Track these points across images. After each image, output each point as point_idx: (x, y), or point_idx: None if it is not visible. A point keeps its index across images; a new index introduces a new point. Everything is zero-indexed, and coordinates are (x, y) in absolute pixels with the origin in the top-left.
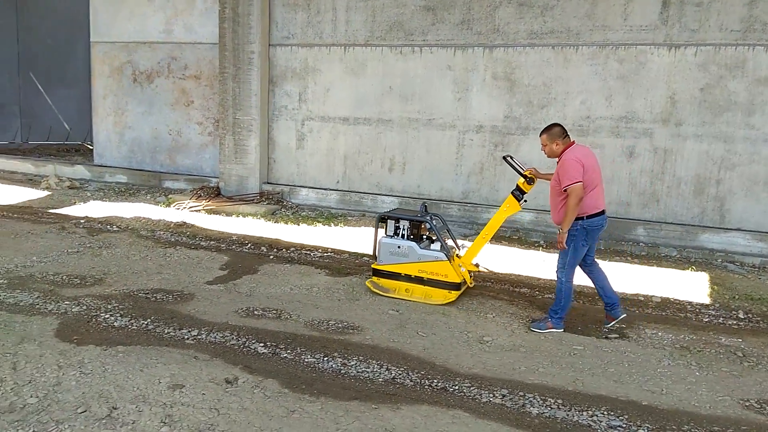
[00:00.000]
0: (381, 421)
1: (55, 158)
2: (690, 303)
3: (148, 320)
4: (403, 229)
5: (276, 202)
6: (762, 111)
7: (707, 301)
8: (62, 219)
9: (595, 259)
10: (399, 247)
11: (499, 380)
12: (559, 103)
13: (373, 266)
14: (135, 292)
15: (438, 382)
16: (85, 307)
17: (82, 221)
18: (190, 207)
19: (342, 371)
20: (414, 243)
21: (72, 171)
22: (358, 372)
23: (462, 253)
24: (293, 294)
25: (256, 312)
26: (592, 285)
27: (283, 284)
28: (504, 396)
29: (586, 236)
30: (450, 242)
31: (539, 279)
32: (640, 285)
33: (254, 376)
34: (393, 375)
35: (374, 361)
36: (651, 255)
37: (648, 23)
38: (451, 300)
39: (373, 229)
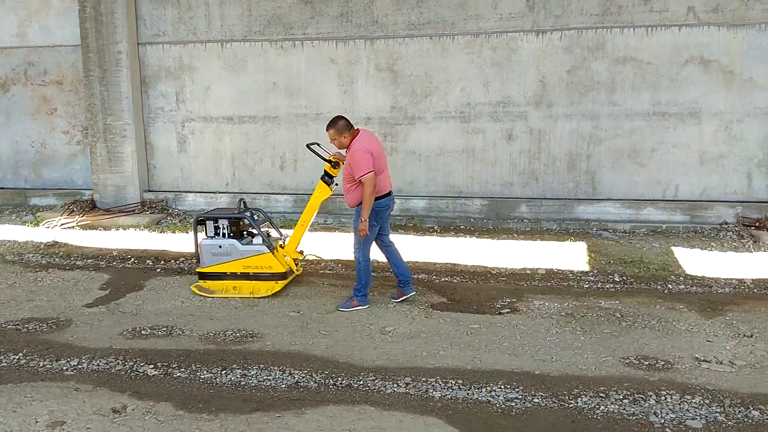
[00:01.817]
0: (285, 429)
1: None
2: (571, 272)
3: (20, 354)
4: (223, 228)
5: (160, 210)
6: (622, 88)
7: (586, 268)
8: None
9: (391, 238)
10: (220, 246)
11: (402, 369)
12: (441, 91)
13: (197, 270)
14: (2, 325)
15: (342, 379)
16: None
17: None
18: (62, 224)
19: (242, 383)
20: (235, 240)
21: None
22: (259, 381)
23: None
24: (185, 307)
25: (143, 332)
26: (481, 265)
27: (173, 298)
28: (408, 384)
29: (375, 217)
30: (274, 234)
31: (436, 263)
32: (526, 259)
33: (144, 401)
34: (296, 379)
35: (276, 368)
36: (534, 230)
37: (516, 11)
38: (277, 290)
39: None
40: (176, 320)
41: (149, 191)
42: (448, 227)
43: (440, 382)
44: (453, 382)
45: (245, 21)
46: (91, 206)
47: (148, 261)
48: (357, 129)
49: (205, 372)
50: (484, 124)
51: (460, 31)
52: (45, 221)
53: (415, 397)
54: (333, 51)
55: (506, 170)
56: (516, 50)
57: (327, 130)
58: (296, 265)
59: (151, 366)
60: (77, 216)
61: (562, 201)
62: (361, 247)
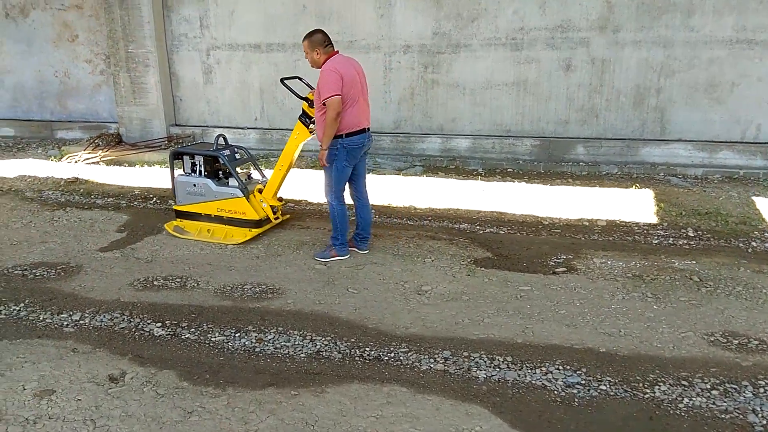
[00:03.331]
0: (301, 412)
1: None
2: (637, 224)
3: (21, 305)
4: (199, 166)
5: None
6: (702, 10)
7: (654, 220)
8: None
9: (365, 188)
10: (194, 185)
11: (440, 339)
12: (490, 14)
13: (174, 207)
14: (10, 270)
15: (371, 350)
16: None
17: None
18: (85, 159)
19: (256, 350)
20: (209, 180)
21: None
22: (276, 348)
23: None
24: (203, 255)
25: (155, 282)
26: (531, 214)
27: (193, 244)
28: (446, 360)
29: (347, 156)
30: (257, 177)
31: (480, 212)
32: (583, 208)
33: (146, 368)
34: (318, 347)
35: (296, 332)
36: (592, 174)
37: None
38: (249, 238)
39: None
40: (192, 270)
41: (176, 125)
42: (493, 170)
43: (485, 359)
44: (500, 360)
45: None
46: (117, 140)
47: (170, 201)
48: (336, 51)
49: (216, 334)
50: (538, 53)
51: None
52: (68, 156)
53: (455, 377)
54: None
55: (562, 106)
56: None
57: (302, 41)
58: (274, 212)
59: (159, 324)
60: (101, 151)
61: (625, 142)
62: (333, 188)
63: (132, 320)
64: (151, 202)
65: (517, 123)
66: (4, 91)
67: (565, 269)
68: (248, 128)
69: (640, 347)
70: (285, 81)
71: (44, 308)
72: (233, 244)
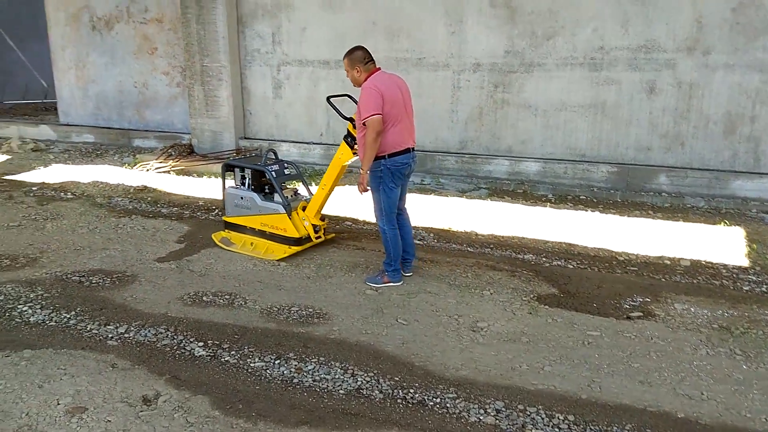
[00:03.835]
0: None
1: (19, 118)
2: (725, 266)
3: (72, 313)
4: (248, 179)
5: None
6: None
7: (745, 263)
8: (14, 186)
9: (405, 207)
10: (242, 198)
11: (493, 386)
12: (567, 32)
13: (223, 218)
14: (68, 275)
15: (415, 392)
16: (2, 297)
17: (34, 189)
18: (156, 168)
19: (294, 380)
20: (255, 194)
21: (37, 132)
22: (314, 381)
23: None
24: (255, 272)
25: (205, 298)
26: (605, 248)
27: (247, 259)
28: (498, 412)
29: (392, 177)
30: (304, 193)
31: (547, 242)
32: (664, 244)
33: (180, 391)
34: (359, 384)
35: (337, 364)
36: (675, 207)
37: None
38: (287, 255)
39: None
40: (242, 287)
41: (245, 138)
42: (564, 197)
43: (543, 415)
44: (560, 418)
45: None
46: (189, 151)
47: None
48: (377, 68)
49: (256, 359)
50: (619, 74)
51: None
52: (140, 164)
53: None
54: None
55: (643, 131)
56: None
57: (343, 59)
58: (316, 232)
59: (201, 344)
60: (172, 160)
61: (713, 173)
62: (384, 213)
63: (175, 337)
64: (213, 213)
65: (592, 147)
66: (87, 99)
67: (641, 314)
68: (314, 143)
69: (725, 415)
70: (331, 99)
71: (93, 318)
72: (273, 260)
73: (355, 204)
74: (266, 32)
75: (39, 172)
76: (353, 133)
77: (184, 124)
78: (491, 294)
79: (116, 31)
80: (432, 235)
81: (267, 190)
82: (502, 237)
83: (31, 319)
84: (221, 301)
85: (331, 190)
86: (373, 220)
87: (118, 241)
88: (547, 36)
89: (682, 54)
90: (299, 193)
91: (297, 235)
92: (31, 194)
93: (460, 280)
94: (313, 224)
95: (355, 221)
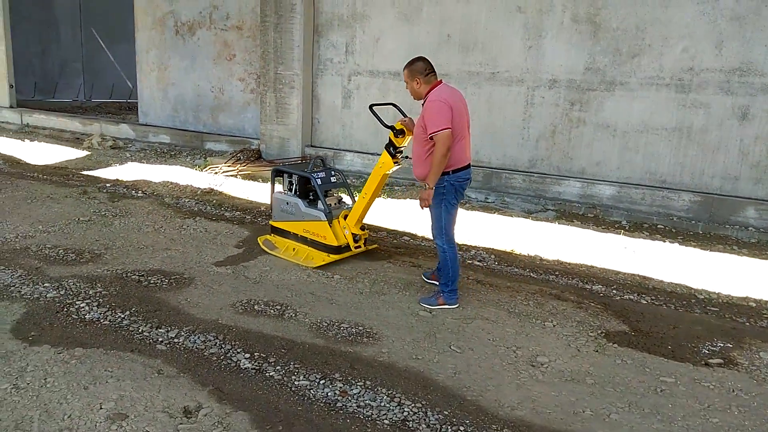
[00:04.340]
0: None
1: (102, 117)
2: None
3: (127, 313)
4: (295, 185)
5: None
6: None
7: None
8: (90, 182)
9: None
10: (287, 203)
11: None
12: (654, 50)
13: (270, 222)
14: (129, 273)
15: (465, 429)
16: (63, 292)
17: (108, 185)
18: (224, 171)
19: (338, 405)
20: (300, 200)
21: (117, 130)
22: (358, 407)
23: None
24: (309, 282)
25: (256, 306)
26: (683, 284)
27: (300, 269)
28: None
29: (455, 194)
30: (349, 201)
31: (619, 273)
32: (750, 285)
33: (222, 405)
34: (405, 414)
35: (384, 390)
36: (763, 243)
37: None
38: (327, 262)
39: None
40: (294, 298)
41: (311, 146)
42: (640, 225)
43: None
44: None
45: None
46: (257, 156)
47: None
48: (439, 80)
49: (301, 377)
50: (708, 97)
51: None
52: (210, 167)
53: None
54: None
55: (733, 159)
56: None
57: (403, 70)
58: (356, 241)
59: (247, 356)
60: (240, 165)
61: None
62: (444, 230)
63: (223, 346)
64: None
65: (674, 174)
66: (166, 101)
67: (721, 361)
68: (377, 155)
69: None
70: (374, 107)
71: (146, 319)
72: (312, 267)
73: (414, 219)
74: (340, 42)
75: (115, 169)
76: (395, 142)
77: (254, 130)
78: (554, 326)
79: (198, 36)
80: (493, 256)
81: (311, 197)
82: (570, 264)
83: (87, 316)
84: (272, 311)
85: (372, 199)
86: (431, 236)
87: (180, 242)
88: (632, 54)
89: None
90: (343, 202)
91: (336, 244)
92: (105, 191)
93: (521, 308)
94: (353, 233)
95: (413, 236)
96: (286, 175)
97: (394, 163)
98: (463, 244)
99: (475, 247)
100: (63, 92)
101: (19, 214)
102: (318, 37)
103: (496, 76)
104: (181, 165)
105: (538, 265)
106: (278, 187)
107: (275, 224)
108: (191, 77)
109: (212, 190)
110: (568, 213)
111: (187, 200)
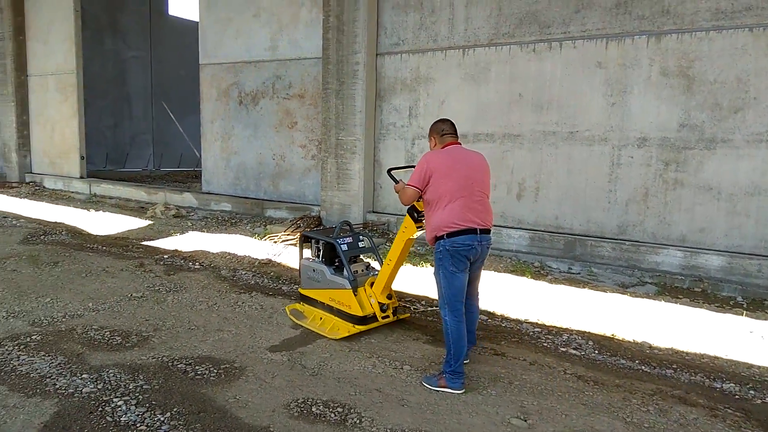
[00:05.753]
0: None
1: (168, 185)
2: None
3: (168, 415)
4: (322, 251)
5: (381, 234)
6: None
7: None
8: (148, 253)
9: (477, 293)
10: (314, 270)
11: None
12: (761, 104)
13: (299, 290)
14: (175, 362)
15: None
16: (101, 386)
17: (166, 257)
18: (284, 240)
19: None
20: (325, 267)
21: (181, 199)
22: None
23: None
24: (374, 375)
25: (314, 408)
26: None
27: (366, 357)
28: None
29: (452, 260)
30: (377, 267)
31: (752, 366)
32: None
33: None
34: None
35: None
36: None
37: None
38: (352, 333)
39: None
40: (358, 396)
41: (373, 212)
42: (760, 302)
43: None
44: None
45: (492, 22)
46: (317, 223)
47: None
48: (454, 142)
49: None
50: None
51: None
52: (269, 235)
53: None
54: (601, 52)
55: None
56: None
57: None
58: (383, 311)
59: None
60: (299, 233)
61: None
62: (445, 300)
63: None
64: None
65: None
66: (229, 169)
67: None
68: None
69: None
70: (393, 171)
71: (188, 424)
72: (335, 339)
73: (497, 293)
74: (404, 106)
75: (175, 239)
76: (417, 206)
77: (315, 196)
78: None
79: (261, 105)
80: (591, 343)
81: (337, 264)
82: (687, 354)
83: (123, 418)
84: (333, 415)
85: (398, 265)
86: (515, 314)
87: (233, 321)
88: (735, 108)
89: None
90: (371, 268)
91: (361, 314)
92: (162, 262)
93: (640, 417)
94: (379, 302)
95: (491, 315)
96: (313, 241)
97: (417, 227)
98: (552, 326)
99: (568, 330)
100: (133, 162)
101: (71, 290)
102: (380, 102)
103: (574, 135)
104: (240, 233)
105: (648, 355)
106: (307, 253)
107: (303, 292)
108: (253, 145)
109: (270, 261)
110: (670, 287)
111: (244, 272)
